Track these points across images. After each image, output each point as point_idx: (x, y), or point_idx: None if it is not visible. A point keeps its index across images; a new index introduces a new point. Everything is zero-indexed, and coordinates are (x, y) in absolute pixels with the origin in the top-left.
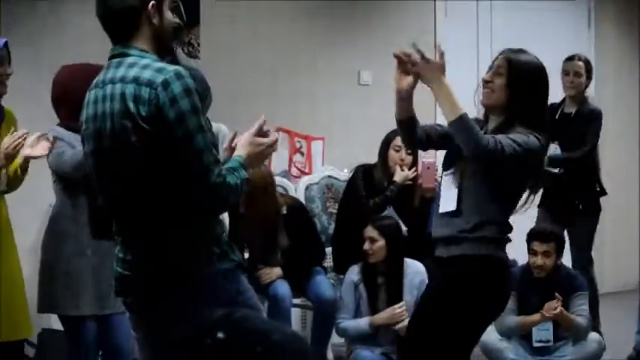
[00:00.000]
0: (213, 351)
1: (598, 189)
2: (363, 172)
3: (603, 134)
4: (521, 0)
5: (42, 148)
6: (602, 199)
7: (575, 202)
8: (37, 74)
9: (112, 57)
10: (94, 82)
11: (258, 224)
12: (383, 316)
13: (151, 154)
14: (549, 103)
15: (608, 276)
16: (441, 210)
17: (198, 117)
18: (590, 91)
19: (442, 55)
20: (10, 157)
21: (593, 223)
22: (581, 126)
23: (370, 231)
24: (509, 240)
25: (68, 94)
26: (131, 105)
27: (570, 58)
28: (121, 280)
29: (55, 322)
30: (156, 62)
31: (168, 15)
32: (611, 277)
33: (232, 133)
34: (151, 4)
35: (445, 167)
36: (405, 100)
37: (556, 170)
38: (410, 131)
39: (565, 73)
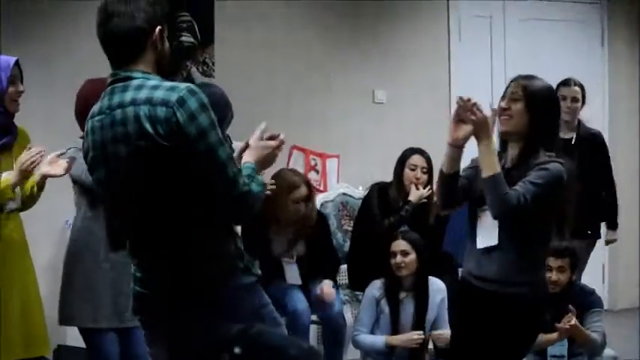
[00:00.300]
0: None
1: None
2: (378, 190)
3: (615, 151)
4: (535, 17)
5: (61, 167)
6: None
7: (586, 225)
8: (50, 92)
9: (113, 81)
10: (97, 108)
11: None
12: (401, 338)
13: (171, 172)
14: None
15: (622, 292)
16: (481, 245)
17: (217, 130)
18: (605, 110)
19: (494, 112)
20: (26, 174)
21: (592, 246)
22: (588, 151)
23: (402, 244)
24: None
25: (90, 108)
26: (147, 125)
27: (566, 83)
28: (141, 299)
29: (70, 339)
30: (164, 82)
31: (166, 41)
32: (625, 294)
33: (244, 143)
34: (158, 28)
35: (480, 203)
36: (457, 151)
37: None
38: (452, 187)
39: (562, 98)
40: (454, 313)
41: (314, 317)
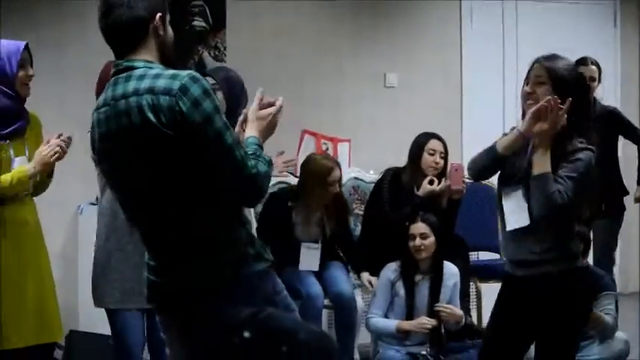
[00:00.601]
0: (241, 351)
1: (620, 189)
2: (391, 175)
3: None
4: (547, 3)
5: (50, 153)
6: (626, 199)
7: (599, 203)
8: (61, 77)
9: (116, 72)
10: (101, 100)
11: (307, 209)
12: (412, 323)
13: (178, 160)
14: None
15: (633, 275)
16: (510, 227)
17: (221, 115)
18: (617, 91)
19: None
20: (46, 166)
21: (617, 224)
22: (606, 127)
23: (421, 227)
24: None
25: (104, 85)
26: (150, 115)
27: (583, 62)
28: (154, 288)
29: (82, 324)
30: (166, 70)
31: (169, 29)
32: (637, 277)
33: (242, 115)
34: (158, 15)
35: (506, 183)
36: (522, 141)
37: None
38: (496, 167)
39: None
40: (500, 309)
41: (326, 302)
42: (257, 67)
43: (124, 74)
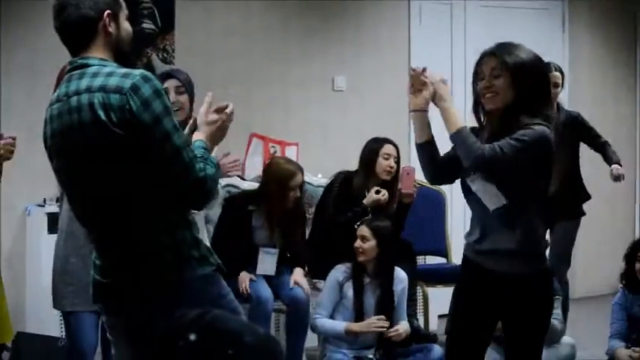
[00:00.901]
0: (186, 353)
1: (582, 193)
2: (342, 179)
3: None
4: (496, 2)
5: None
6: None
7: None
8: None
9: (71, 69)
10: (55, 96)
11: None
12: (361, 324)
13: (126, 160)
14: None
15: (581, 281)
16: (494, 206)
17: (171, 116)
18: (565, 95)
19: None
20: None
21: (576, 227)
22: (570, 133)
23: (363, 230)
24: None
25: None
26: (101, 113)
27: (547, 68)
28: (98, 287)
29: (29, 326)
30: (119, 68)
31: (126, 24)
32: (584, 282)
33: (192, 120)
34: (106, 13)
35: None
36: (421, 116)
37: None
38: (430, 155)
39: None
40: (459, 299)
41: (277, 305)
42: (205, 69)
43: (78, 71)
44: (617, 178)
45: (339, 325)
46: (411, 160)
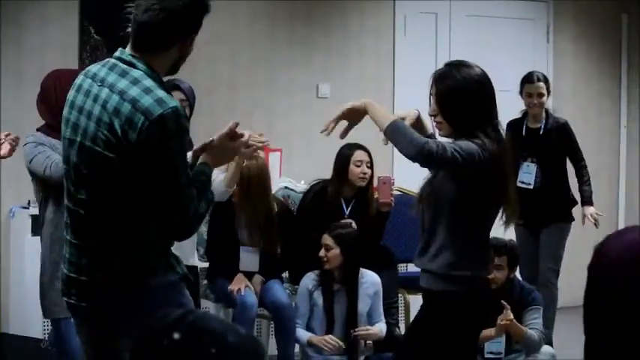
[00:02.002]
0: (168, 352)
1: (568, 199)
2: (318, 189)
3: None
4: (480, 13)
5: (5, 149)
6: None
7: (550, 213)
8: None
9: (119, 59)
10: (94, 69)
11: (253, 214)
12: (314, 339)
13: (123, 172)
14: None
15: (561, 290)
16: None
17: (184, 156)
18: (549, 106)
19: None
20: None
21: (565, 232)
22: (557, 140)
23: (326, 239)
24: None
25: (45, 95)
26: (118, 125)
27: (529, 80)
28: (66, 281)
29: (12, 327)
30: (158, 89)
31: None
32: (564, 292)
33: (210, 140)
34: (192, 37)
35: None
36: (360, 110)
37: (529, 186)
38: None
39: (528, 94)
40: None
41: (261, 311)
42: (190, 74)
43: (124, 66)
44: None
45: (305, 335)
46: (394, 168)
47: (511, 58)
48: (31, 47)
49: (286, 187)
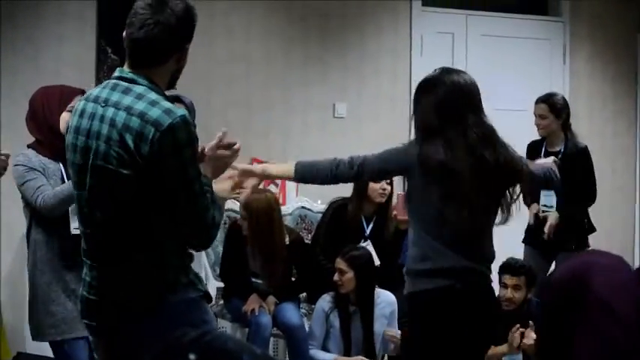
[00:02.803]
0: None
1: (587, 226)
2: (335, 208)
3: None
4: (497, 33)
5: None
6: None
7: (569, 240)
8: (13, 102)
9: (119, 78)
10: (94, 93)
11: (262, 249)
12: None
13: (139, 187)
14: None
15: None
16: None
17: (196, 164)
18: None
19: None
20: None
21: None
22: (576, 165)
23: (339, 263)
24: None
25: (33, 112)
26: (131, 139)
27: (535, 101)
28: (86, 303)
29: (29, 346)
30: (164, 101)
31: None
32: None
33: (201, 149)
34: (186, 46)
35: None
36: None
37: (551, 209)
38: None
39: (534, 114)
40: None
41: (276, 330)
42: (206, 93)
43: (125, 84)
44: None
45: (329, 357)
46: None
47: (527, 79)
48: (47, 65)
49: (303, 207)
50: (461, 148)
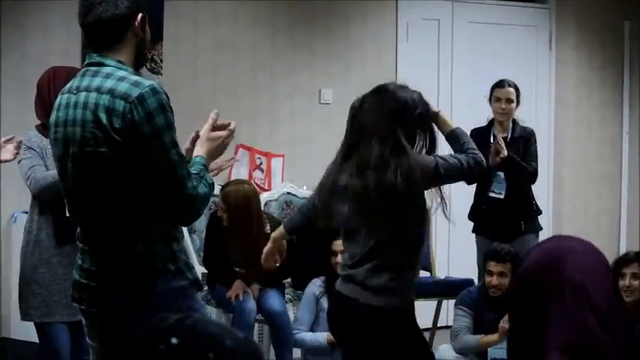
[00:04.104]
0: (166, 357)
1: (535, 208)
2: None
3: (562, 157)
4: (483, 20)
5: (9, 152)
6: (551, 218)
7: (520, 223)
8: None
9: (87, 64)
10: (67, 86)
11: (242, 240)
12: None
13: (119, 165)
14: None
15: None
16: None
17: (171, 132)
18: (551, 114)
19: None
20: None
21: (534, 242)
22: (523, 147)
23: (339, 245)
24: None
25: (40, 94)
26: (104, 117)
27: (500, 85)
28: (77, 287)
29: (14, 332)
30: (132, 75)
31: (148, 29)
32: None
33: (194, 133)
34: (139, 16)
35: None
36: None
37: (500, 195)
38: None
39: (496, 99)
40: None
41: (260, 316)
42: (193, 80)
43: (93, 68)
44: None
45: (321, 336)
46: None
47: (513, 65)
48: (33, 53)
49: (288, 193)
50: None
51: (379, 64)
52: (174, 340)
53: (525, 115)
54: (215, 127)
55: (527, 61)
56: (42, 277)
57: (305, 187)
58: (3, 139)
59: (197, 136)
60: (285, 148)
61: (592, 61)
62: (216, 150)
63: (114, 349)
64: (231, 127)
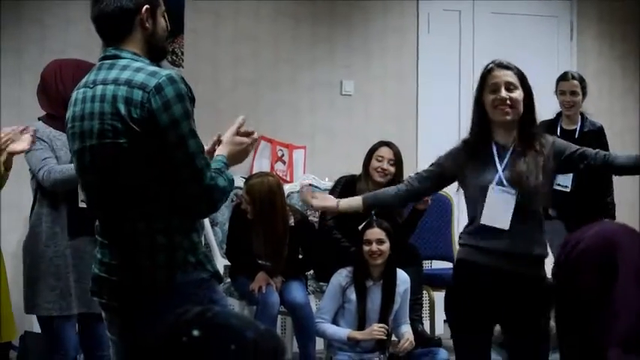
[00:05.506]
0: (188, 349)
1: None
2: (343, 183)
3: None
4: (504, 10)
5: (25, 142)
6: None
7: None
8: (19, 81)
9: (103, 58)
10: (83, 81)
11: (266, 233)
12: (364, 333)
13: (139, 156)
14: (543, 119)
15: None
16: (487, 223)
17: (190, 121)
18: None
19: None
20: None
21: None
22: (590, 143)
23: (377, 233)
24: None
25: (45, 85)
26: (122, 107)
27: (564, 77)
28: (97, 280)
29: (36, 325)
30: (149, 66)
31: (162, 21)
32: None
33: (216, 136)
34: (144, 7)
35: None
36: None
37: (566, 188)
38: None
39: (561, 92)
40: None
41: (284, 309)
42: (214, 72)
43: (109, 61)
44: None
45: (342, 332)
46: (418, 165)
47: (534, 56)
48: (53, 47)
49: (310, 185)
50: None
51: (400, 56)
52: (195, 333)
53: (545, 105)
54: (240, 133)
55: (549, 51)
56: (57, 270)
57: (327, 179)
58: (19, 128)
59: (218, 141)
60: (306, 140)
61: (613, 51)
62: (239, 154)
63: (135, 342)
64: (255, 136)
